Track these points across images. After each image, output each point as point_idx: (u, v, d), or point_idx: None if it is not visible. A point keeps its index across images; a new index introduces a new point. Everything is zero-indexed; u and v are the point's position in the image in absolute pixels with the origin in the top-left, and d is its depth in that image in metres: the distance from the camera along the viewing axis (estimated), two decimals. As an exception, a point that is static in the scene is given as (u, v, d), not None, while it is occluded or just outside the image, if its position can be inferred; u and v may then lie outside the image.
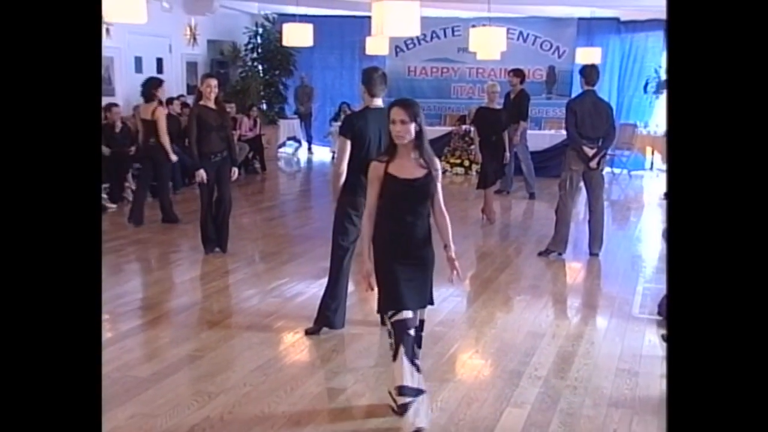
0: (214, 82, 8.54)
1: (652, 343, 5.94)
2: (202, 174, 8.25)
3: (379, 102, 5.89)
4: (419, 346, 4.46)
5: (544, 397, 4.87)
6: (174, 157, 10.28)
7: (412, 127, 4.21)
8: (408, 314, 4.25)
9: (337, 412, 4.65)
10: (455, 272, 4.47)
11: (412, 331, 4.27)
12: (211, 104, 8.43)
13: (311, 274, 7.51)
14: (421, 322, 4.49)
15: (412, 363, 4.20)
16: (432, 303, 4.54)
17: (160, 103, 10.48)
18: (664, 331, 5.96)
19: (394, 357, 4.23)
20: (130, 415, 4.52)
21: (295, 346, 5.83)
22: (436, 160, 4.38)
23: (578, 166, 8.44)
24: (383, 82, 5.90)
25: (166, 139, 10.10)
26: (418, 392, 4.19)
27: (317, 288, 6.58)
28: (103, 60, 13.11)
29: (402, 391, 4.18)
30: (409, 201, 4.34)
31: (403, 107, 4.24)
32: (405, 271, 4.31)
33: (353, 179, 5.83)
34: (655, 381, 5.27)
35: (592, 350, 5.82)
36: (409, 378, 4.17)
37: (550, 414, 4.64)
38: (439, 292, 6.97)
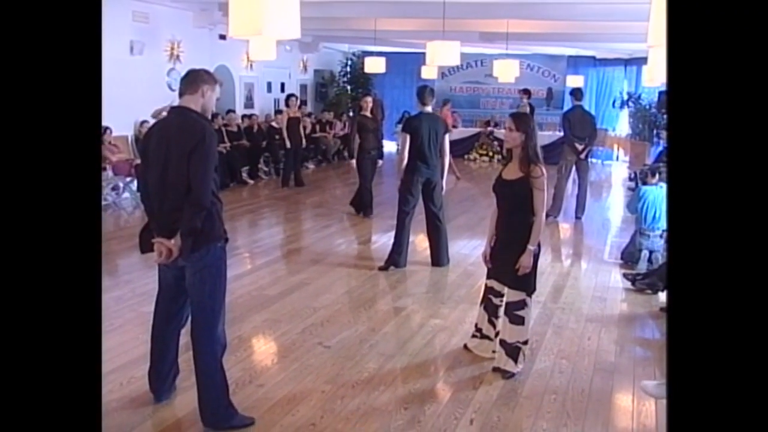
0: (369, 99, 8.24)
1: (616, 279, 5.79)
2: (353, 163, 8.10)
3: (429, 109, 5.82)
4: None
5: (542, 316, 4.77)
6: (288, 144, 10.23)
7: (518, 135, 3.56)
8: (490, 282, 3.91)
9: (400, 323, 4.63)
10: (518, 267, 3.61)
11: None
12: (368, 114, 8.09)
13: (383, 229, 7.45)
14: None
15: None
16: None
17: (278, 111, 10.65)
18: (624, 271, 5.85)
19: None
20: (263, 319, 4.58)
21: (371, 278, 5.79)
22: (538, 169, 3.52)
23: (572, 157, 8.31)
24: (431, 95, 5.85)
25: (284, 132, 10.20)
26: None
27: (387, 238, 6.53)
28: (247, 85, 13.21)
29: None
30: (504, 198, 3.71)
31: (512, 117, 3.67)
32: (496, 254, 3.79)
33: (412, 164, 5.75)
34: (617, 304, 5.16)
35: (575, 283, 5.69)
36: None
37: (546, 327, 4.56)
38: (472, 243, 6.94)
